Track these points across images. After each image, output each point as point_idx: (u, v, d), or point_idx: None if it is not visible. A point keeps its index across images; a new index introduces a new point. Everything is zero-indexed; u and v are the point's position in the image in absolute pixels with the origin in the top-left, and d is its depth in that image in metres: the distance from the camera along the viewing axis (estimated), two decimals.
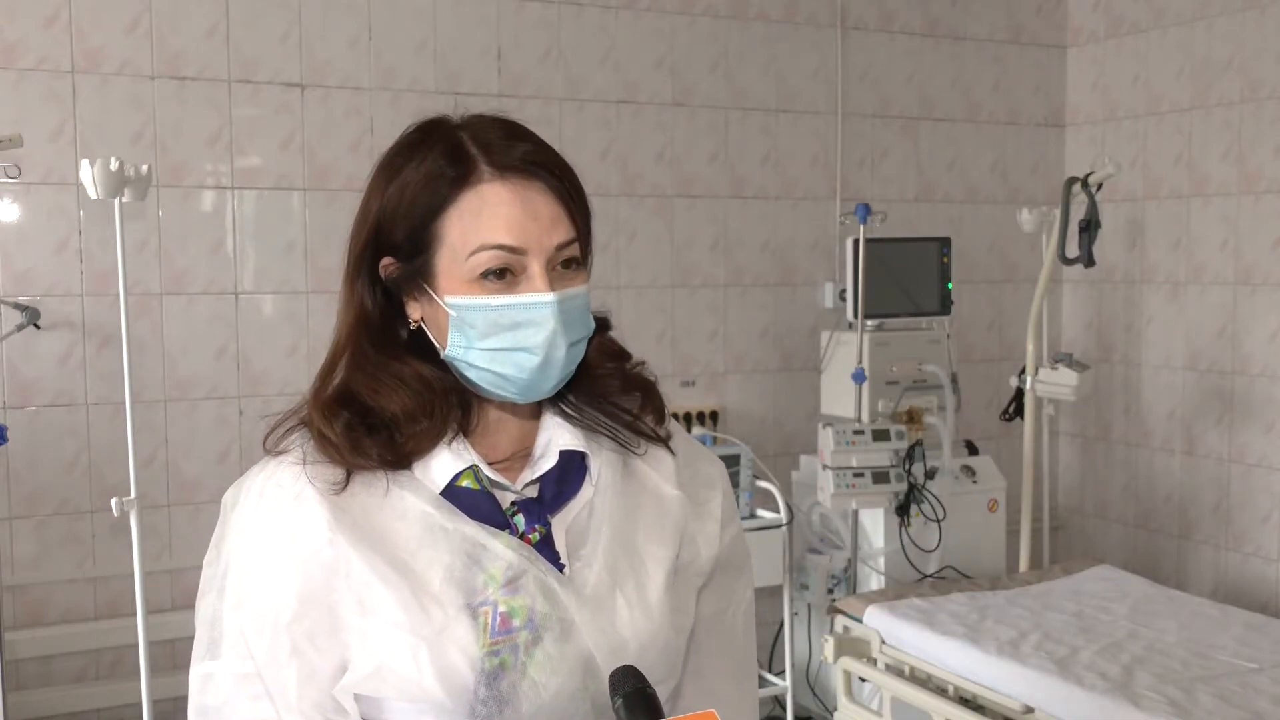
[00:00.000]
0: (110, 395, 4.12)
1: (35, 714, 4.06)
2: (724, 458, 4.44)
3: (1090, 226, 4.32)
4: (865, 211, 4.67)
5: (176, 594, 4.23)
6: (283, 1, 4.33)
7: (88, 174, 3.32)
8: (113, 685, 4.17)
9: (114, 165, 3.31)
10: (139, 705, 3.57)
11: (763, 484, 4.58)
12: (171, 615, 4.14)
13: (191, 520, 4.27)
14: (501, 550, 1.37)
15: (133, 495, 3.45)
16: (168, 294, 4.22)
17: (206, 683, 1.39)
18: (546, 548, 1.42)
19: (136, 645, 3.52)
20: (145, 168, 3.39)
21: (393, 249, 1.42)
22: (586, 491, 1.47)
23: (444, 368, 1.45)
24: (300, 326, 4.39)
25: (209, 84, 4.24)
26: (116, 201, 3.37)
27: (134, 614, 3.53)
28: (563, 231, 1.40)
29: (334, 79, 4.42)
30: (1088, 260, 4.30)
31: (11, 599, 4.05)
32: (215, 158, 4.27)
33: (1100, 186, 4.36)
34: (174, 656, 4.12)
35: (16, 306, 3.88)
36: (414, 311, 1.44)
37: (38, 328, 3.95)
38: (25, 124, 3.86)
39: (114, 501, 3.41)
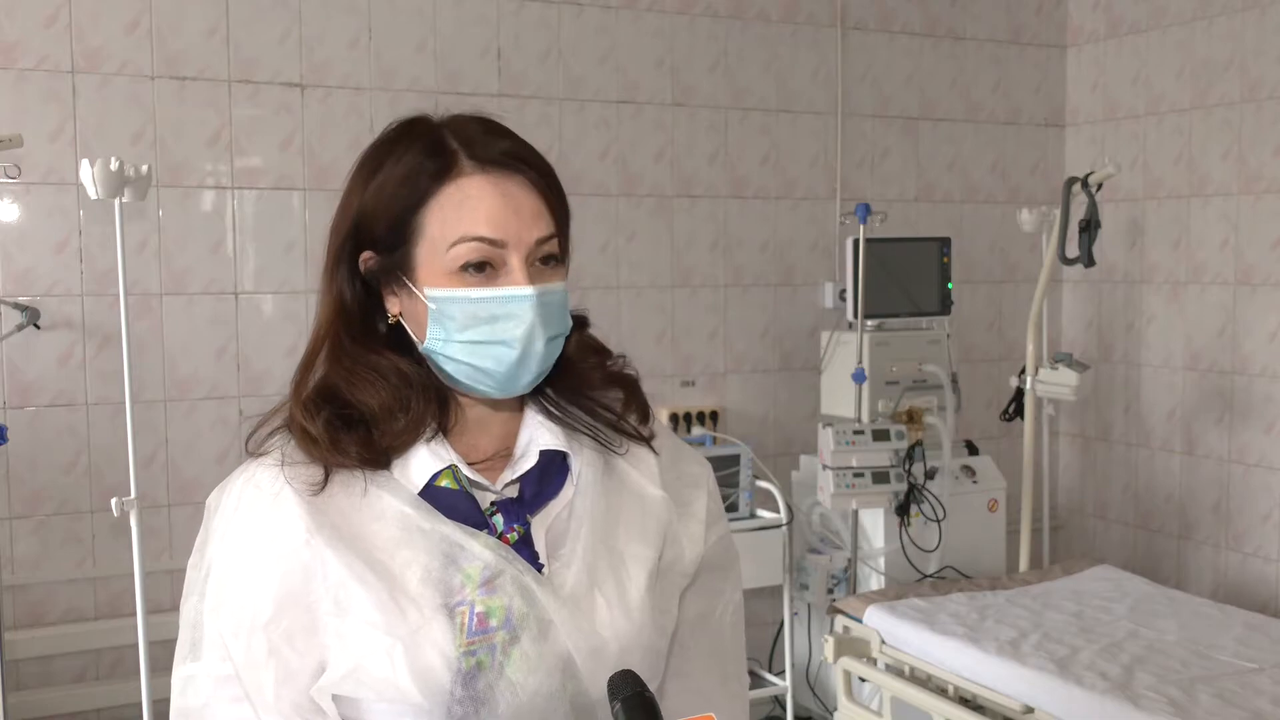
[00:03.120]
0: (110, 395, 4.12)
1: (35, 714, 4.06)
2: (724, 458, 4.46)
3: (1090, 226, 4.31)
4: (865, 211, 4.67)
5: (176, 594, 4.19)
6: (283, 1, 4.33)
7: (88, 174, 3.32)
8: (113, 685, 4.16)
9: (114, 165, 3.31)
10: (139, 705, 3.57)
11: (763, 484, 4.58)
12: (171, 615, 4.10)
13: (191, 520, 4.26)
14: (479, 550, 1.37)
15: (133, 495, 3.45)
16: (168, 294, 4.22)
17: (187, 685, 1.41)
18: (525, 547, 1.42)
19: (136, 645, 3.53)
20: (145, 168, 3.39)
21: (372, 243, 1.43)
22: (567, 491, 1.47)
23: (422, 363, 1.45)
24: (300, 326, 4.39)
25: (209, 84, 4.24)
26: (116, 201, 3.37)
27: (134, 614, 3.54)
28: (543, 226, 1.40)
29: (334, 79, 4.42)
30: (1088, 260, 4.30)
31: (11, 599, 4.05)
32: (215, 158, 4.27)
33: (1100, 186, 4.36)
34: (173, 656, 4.11)
35: (16, 306, 3.87)
36: (393, 306, 1.45)
37: (38, 328, 3.95)
38: (25, 124, 3.86)
39: (114, 501, 3.41)
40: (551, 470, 1.47)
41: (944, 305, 5.01)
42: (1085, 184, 4.34)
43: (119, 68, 4.12)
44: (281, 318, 4.38)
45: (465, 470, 1.42)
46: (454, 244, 1.37)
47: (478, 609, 1.36)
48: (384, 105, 4.46)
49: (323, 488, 1.38)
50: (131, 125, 4.15)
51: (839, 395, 4.93)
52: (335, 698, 1.35)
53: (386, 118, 4.69)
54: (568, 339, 1.46)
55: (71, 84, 4.07)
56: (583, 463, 1.48)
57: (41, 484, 4.12)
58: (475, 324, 1.38)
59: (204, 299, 4.27)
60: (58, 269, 4.08)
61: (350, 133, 4.44)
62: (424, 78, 4.54)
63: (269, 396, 4.27)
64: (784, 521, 4.54)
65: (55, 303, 4.08)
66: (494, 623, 1.36)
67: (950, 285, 5.01)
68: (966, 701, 3.62)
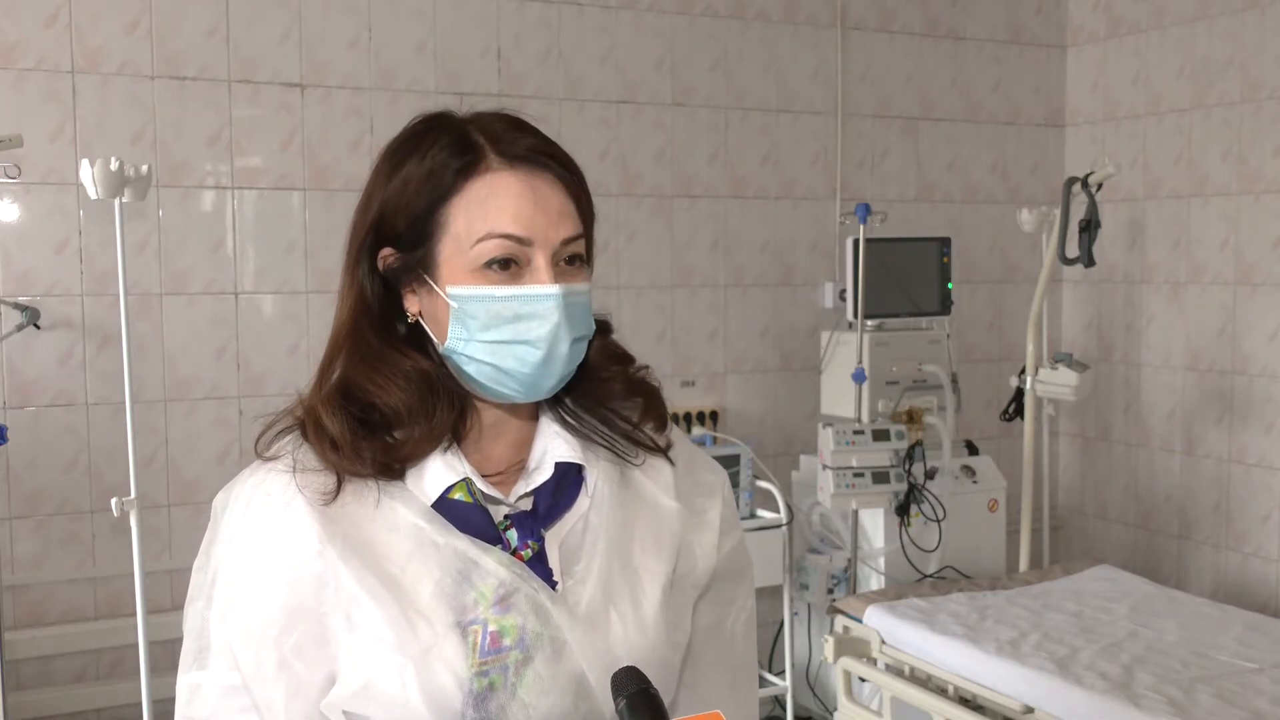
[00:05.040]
0: (110, 395, 4.12)
1: (35, 714, 4.06)
2: (724, 458, 4.46)
3: (1090, 226, 4.31)
4: (865, 211, 4.67)
5: (176, 594, 4.23)
6: (283, 2, 4.33)
7: (88, 174, 3.32)
8: (113, 685, 4.17)
9: (114, 165, 3.31)
10: (139, 705, 3.57)
11: (763, 484, 4.58)
12: (171, 615, 4.13)
13: (191, 520, 4.27)
14: (493, 567, 1.35)
15: (133, 495, 3.45)
16: (168, 294, 4.22)
17: (194, 694, 1.39)
18: (539, 564, 1.39)
19: (136, 645, 3.53)
20: (145, 168, 3.39)
21: (394, 240, 1.39)
22: (582, 504, 1.44)
23: (443, 366, 1.41)
24: (300, 326, 4.39)
25: (209, 84, 4.24)
26: (116, 201, 3.37)
27: (134, 614, 3.54)
28: (569, 226, 1.37)
29: (334, 79, 4.42)
30: (1088, 260, 4.30)
31: (11, 599, 4.05)
32: (215, 158, 4.27)
33: (1100, 186, 4.35)
34: (174, 656, 4.08)
35: (16, 306, 3.87)
36: (412, 305, 1.41)
37: (38, 328, 3.95)
38: (25, 124, 3.86)
39: (114, 501, 3.40)
40: (566, 482, 1.44)
41: (944, 305, 5.01)
42: (1085, 184, 4.34)
43: (119, 68, 4.12)
44: (281, 318, 4.38)
45: (479, 483, 1.39)
46: (479, 241, 1.34)
47: (491, 628, 1.33)
48: (384, 105, 4.47)
49: (335, 496, 1.35)
50: (131, 125, 4.15)
51: (839, 395, 4.93)
52: (345, 713, 1.32)
53: (387, 118, 4.67)
54: (590, 344, 1.43)
55: (71, 84, 4.07)
56: (598, 475, 1.45)
57: (41, 484, 4.12)
58: (499, 323, 1.35)
59: (204, 299, 4.27)
60: (58, 269, 4.08)
61: (350, 133, 4.44)
62: (424, 78, 4.54)
63: (269, 397, 4.28)
64: (784, 521, 4.53)
65: (55, 303, 4.07)
66: (507, 642, 1.33)
67: (950, 285, 5.01)
68: (966, 701, 3.62)
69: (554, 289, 1.34)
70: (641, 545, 1.45)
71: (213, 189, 4.29)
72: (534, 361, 1.36)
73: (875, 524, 4.78)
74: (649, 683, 1.23)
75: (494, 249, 1.34)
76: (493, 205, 1.34)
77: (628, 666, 1.26)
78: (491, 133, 1.37)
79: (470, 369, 1.39)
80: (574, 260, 1.39)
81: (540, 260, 1.35)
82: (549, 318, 1.34)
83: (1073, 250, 4.34)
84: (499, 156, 1.36)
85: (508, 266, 1.35)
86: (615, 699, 1.23)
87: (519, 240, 1.34)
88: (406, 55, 4.53)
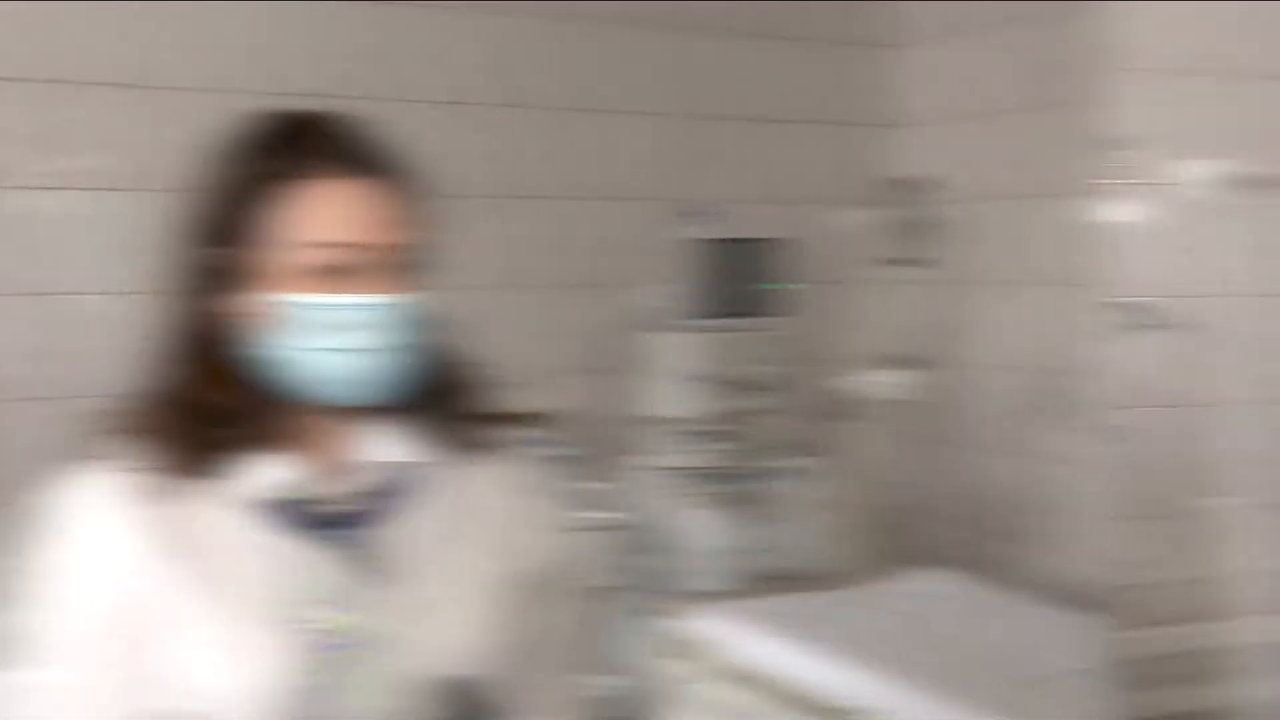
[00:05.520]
0: None
1: None
2: (554, 459, 4.41)
3: (920, 227, 4.37)
4: (698, 212, 4.68)
5: None
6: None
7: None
8: None
9: None
10: None
11: (592, 485, 4.55)
12: None
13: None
14: (321, 566, 1.37)
15: None
16: None
17: (16, 694, 1.37)
18: (368, 563, 1.41)
19: None
20: None
21: (219, 240, 1.40)
22: (412, 504, 1.46)
23: (268, 366, 1.40)
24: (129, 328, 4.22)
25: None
26: None
27: None
28: (398, 233, 1.40)
29: (160, 80, 4.26)
30: (919, 261, 4.36)
31: None
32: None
33: (931, 188, 4.41)
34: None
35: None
36: (237, 305, 1.40)
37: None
38: None
39: None
40: (396, 482, 1.46)
41: (778, 306, 5.03)
42: (914, 185, 4.40)
43: None
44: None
45: (306, 482, 1.40)
46: (303, 247, 1.35)
47: (319, 627, 1.34)
48: (211, 107, 4.25)
49: (163, 495, 1.35)
50: None
51: (670, 397, 4.92)
52: (170, 712, 1.32)
53: (213, 120, 4.52)
54: (424, 347, 1.44)
55: None
56: (428, 474, 1.47)
57: None
58: (322, 331, 1.35)
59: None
60: None
61: (176, 135, 4.25)
62: (252, 79, 4.40)
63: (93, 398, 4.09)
64: (614, 524, 4.51)
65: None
66: (335, 641, 1.35)
67: (783, 286, 5.04)
68: (800, 703, 3.63)
69: (379, 299, 1.36)
70: (472, 545, 1.48)
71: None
72: (358, 370, 1.37)
73: (706, 526, 4.78)
74: (477, 692, 1.33)
75: (319, 256, 1.35)
76: (321, 212, 1.36)
77: (455, 677, 1.34)
78: (320, 135, 1.41)
79: (294, 374, 1.39)
80: (402, 268, 1.40)
81: (366, 269, 1.36)
82: (374, 327, 1.36)
83: (905, 251, 4.38)
84: (327, 161, 1.38)
85: (333, 275, 1.35)
86: (442, 711, 1.32)
87: (343, 247, 1.35)
88: (234, 57, 4.39)
